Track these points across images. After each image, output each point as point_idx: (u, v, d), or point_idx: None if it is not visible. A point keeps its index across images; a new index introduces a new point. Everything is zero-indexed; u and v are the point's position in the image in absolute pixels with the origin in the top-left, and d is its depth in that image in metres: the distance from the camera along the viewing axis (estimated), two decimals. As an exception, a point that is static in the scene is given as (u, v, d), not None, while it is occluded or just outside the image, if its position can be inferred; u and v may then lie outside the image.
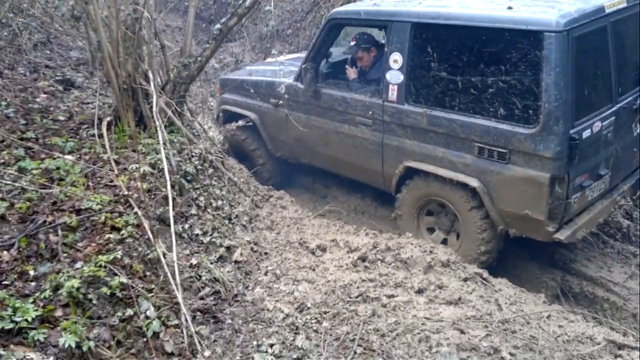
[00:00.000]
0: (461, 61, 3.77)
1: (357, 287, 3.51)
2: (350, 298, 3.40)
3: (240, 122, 5.33)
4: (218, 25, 4.55)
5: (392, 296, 3.45)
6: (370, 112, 4.38)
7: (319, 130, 4.81)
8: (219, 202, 4.14)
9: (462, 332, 3.06)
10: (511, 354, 2.89)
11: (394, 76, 4.17)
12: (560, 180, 3.52)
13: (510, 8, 3.62)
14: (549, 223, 3.62)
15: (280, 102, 5.05)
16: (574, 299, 4.13)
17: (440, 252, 3.92)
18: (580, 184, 3.67)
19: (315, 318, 3.21)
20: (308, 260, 3.93)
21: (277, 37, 8.27)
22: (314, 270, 3.78)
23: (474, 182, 3.86)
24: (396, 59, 4.14)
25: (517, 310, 3.32)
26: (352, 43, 4.84)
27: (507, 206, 3.79)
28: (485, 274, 3.75)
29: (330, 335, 3.06)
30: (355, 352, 2.90)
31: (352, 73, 4.90)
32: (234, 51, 8.16)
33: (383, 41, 4.61)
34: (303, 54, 5.75)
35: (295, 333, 3.10)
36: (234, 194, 4.47)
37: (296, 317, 3.21)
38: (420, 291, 3.51)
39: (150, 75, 4.28)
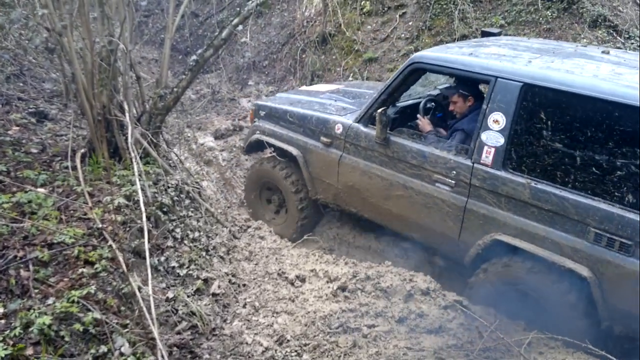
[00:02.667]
0: (581, 134, 3.32)
1: (338, 318, 3.47)
2: (331, 329, 3.36)
3: (269, 152, 4.99)
4: (194, 57, 4.58)
5: (373, 326, 3.42)
6: (454, 173, 3.84)
7: (380, 181, 4.26)
8: (196, 234, 4.09)
9: (444, 361, 3.03)
10: (493, 383, 2.87)
11: (492, 138, 3.67)
12: None
13: (620, 79, 3.26)
14: None
15: (334, 142, 4.54)
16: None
17: (420, 280, 3.91)
18: None
19: (295, 351, 3.15)
20: (287, 291, 3.88)
21: (253, 68, 8.34)
22: (293, 301, 3.73)
23: (584, 271, 3.34)
24: (497, 120, 3.65)
25: (497, 338, 3.31)
26: (453, 83, 4.32)
27: (620, 302, 3.30)
28: (465, 302, 3.74)
29: (311, 368, 3.00)
30: (336, 385, 2.85)
31: (426, 125, 4.37)
32: (211, 82, 8.18)
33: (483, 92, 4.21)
34: (343, 86, 5.60)
35: (275, 367, 3.03)
36: (211, 225, 4.42)
37: (276, 350, 3.15)
38: (400, 320, 3.49)
39: (126, 107, 4.26)
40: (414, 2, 7.98)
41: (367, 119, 4.32)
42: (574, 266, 3.36)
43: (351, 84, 5.91)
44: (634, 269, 3.15)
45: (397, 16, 8.02)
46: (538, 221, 3.50)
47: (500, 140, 3.64)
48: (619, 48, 6.29)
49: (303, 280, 4.02)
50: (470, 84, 4.22)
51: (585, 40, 6.59)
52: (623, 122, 3.15)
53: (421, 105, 4.57)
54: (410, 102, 4.73)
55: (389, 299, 3.72)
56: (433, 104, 4.68)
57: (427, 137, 4.15)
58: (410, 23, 7.88)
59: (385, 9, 8.17)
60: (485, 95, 3.75)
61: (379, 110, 4.07)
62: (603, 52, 4.02)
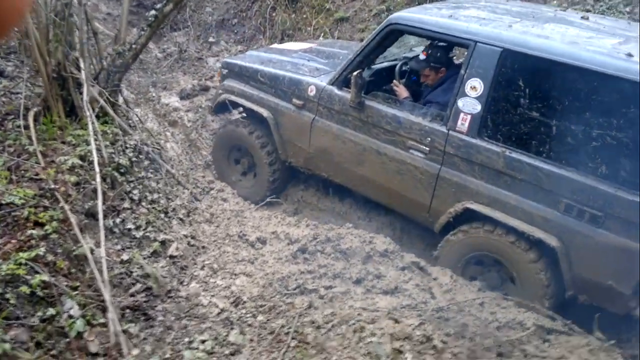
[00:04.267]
0: (559, 103, 3.26)
1: (295, 279, 3.48)
2: (288, 290, 3.37)
3: (236, 112, 4.72)
4: (153, 12, 4.41)
5: (330, 287, 3.44)
6: (429, 139, 3.77)
7: (353, 146, 4.14)
8: (155, 195, 4.03)
9: (396, 321, 3.07)
10: (443, 342, 2.92)
11: (469, 104, 3.58)
12: None
13: (630, 55, 3.13)
14: (632, 297, 3.23)
15: (306, 104, 4.38)
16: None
17: (379, 242, 3.94)
18: None
19: (251, 312, 3.16)
20: (247, 253, 3.87)
21: (222, 26, 8.10)
22: (252, 263, 3.73)
23: (552, 241, 3.36)
24: (475, 86, 3.54)
25: (451, 298, 3.37)
26: (422, 56, 4.14)
27: (586, 272, 3.34)
28: (423, 263, 3.78)
29: (265, 329, 3.02)
30: (289, 346, 2.87)
31: (402, 91, 4.25)
32: (178, 40, 7.94)
33: (457, 61, 4.19)
34: (316, 45, 5.40)
35: (230, 328, 3.04)
36: (172, 186, 4.36)
37: (231, 312, 3.16)
38: (358, 281, 3.52)
39: (82, 64, 4.11)
40: (387, -40, 7.79)
41: (341, 81, 4.19)
42: (543, 236, 3.38)
43: (324, 43, 5.74)
44: (602, 240, 3.19)
45: (370, -26, 7.83)
46: (511, 190, 3.49)
47: (477, 107, 3.55)
48: (588, 10, 6.25)
49: (264, 242, 4.01)
50: (441, 52, 4.13)
51: (556, 1, 6.53)
52: (601, 92, 3.11)
53: (397, 69, 4.45)
54: (385, 64, 4.58)
55: (348, 260, 3.74)
56: (408, 67, 4.55)
57: (403, 102, 4.04)
58: (383, -18, 7.70)
59: (358, -34, 7.96)
60: (458, 63, 3.72)
61: (355, 73, 3.92)
62: (582, 17, 3.97)
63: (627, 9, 6.29)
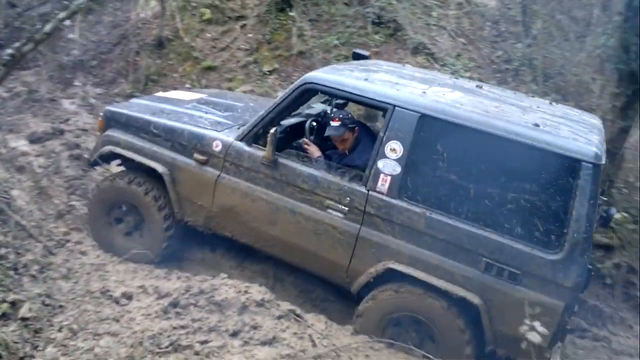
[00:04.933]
0: (476, 168, 3.50)
1: (168, 336, 3.28)
2: (160, 349, 3.16)
3: (115, 164, 4.45)
4: (10, 50, 4.05)
5: (206, 342, 3.29)
6: (348, 199, 3.78)
7: (265, 205, 4.01)
8: (2, 250, 3.58)
9: (277, 372, 3.03)
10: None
11: (389, 166, 3.67)
12: (570, 308, 3.43)
13: (537, 125, 3.47)
14: (548, 350, 3.44)
15: (210, 160, 4.14)
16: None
17: (255, 291, 3.87)
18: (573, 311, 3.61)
19: (119, 375, 2.90)
20: (111, 310, 3.58)
21: (80, 67, 7.64)
22: (118, 321, 3.45)
23: (475, 299, 3.49)
24: (394, 148, 3.65)
25: (328, 344, 3.41)
26: (335, 123, 4.05)
27: (505, 327, 3.47)
28: (299, 311, 3.79)
29: (137, 392, 2.78)
30: (164, 408, 2.67)
31: (315, 150, 4.18)
32: (27, 80, 7.32)
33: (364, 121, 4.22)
34: (206, 96, 5.13)
35: (95, 395, 2.75)
36: (22, 239, 3.92)
37: (96, 377, 2.86)
38: (234, 334, 3.41)
39: None
40: (255, 14, 8.04)
41: (251, 137, 4.07)
42: (465, 294, 3.50)
43: (215, 94, 5.48)
44: (520, 296, 3.38)
45: (238, 27, 8.00)
46: (432, 250, 3.59)
47: (397, 169, 3.65)
48: (437, 70, 6.99)
49: (130, 298, 3.74)
50: (346, 112, 4.19)
51: (408, 64, 7.21)
52: (509, 158, 3.42)
53: (307, 126, 4.42)
54: (291, 120, 4.46)
55: (223, 312, 3.61)
56: (315, 124, 4.56)
57: (319, 161, 4.01)
58: (250, 35, 7.91)
59: (226, 18, 8.10)
60: (378, 123, 3.88)
61: (272, 131, 3.84)
62: (477, 86, 4.35)
63: (468, 74, 7.15)
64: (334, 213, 3.84)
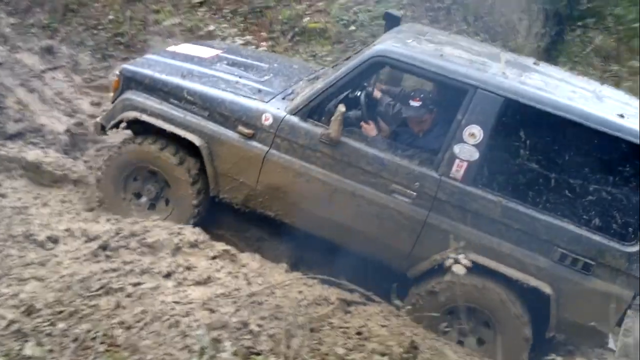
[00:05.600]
0: (557, 156, 3.41)
1: (98, 279, 3.21)
2: (90, 292, 3.10)
3: (122, 127, 4.09)
4: None
5: (138, 284, 3.26)
6: (417, 184, 3.61)
7: (321, 186, 3.75)
8: None
9: (212, 311, 3.07)
10: (259, 325, 3.01)
11: (466, 151, 3.50)
12: (635, 299, 3.53)
13: (622, 116, 3.39)
14: (609, 336, 3.61)
15: (258, 135, 3.83)
16: (311, 265, 4.42)
17: (189, 232, 3.85)
18: None
19: (48, 320, 2.83)
20: (36, 255, 3.45)
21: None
22: (44, 265, 3.34)
23: (546, 289, 3.50)
24: (473, 133, 3.47)
25: (263, 282, 3.48)
26: (415, 103, 3.84)
27: (573, 316, 3.55)
28: (233, 250, 3.82)
29: (67, 336, 2.74)
30: (97, 351, 2.66)
31: (370, 130, 3.90)
32: None
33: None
34: (222, 52, 4.67)
35: (24, 340, 2.69)
36: None
37: (23, 323, 2.79)
38: (168, 275, 3.39)
39: None
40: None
41: (306, 111, 3.77)
42: (536, 283, 3.51)
43: (233, 50, 4.97)
44: (592, 286, 3.48)
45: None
46: (505, 239, 3.54)
47: (475, 155, 3.50)
48: (369, 11, 6.90)
49: (56, 242, 3.61)
50: (428, 93, 3.94)
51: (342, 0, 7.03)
52: (592, 148, 3.36)
53: (363, 106, 4.03)
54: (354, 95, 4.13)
55: (155, 254, 3.58)
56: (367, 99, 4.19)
57: (386, 142, 3.79)
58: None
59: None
60: (459, 104, 3.52)
61: (341, 109, 3.56)
62: (534, 63, 4.18)
63: (401, 11, 7.09)
64: (400, 197, 3.66)
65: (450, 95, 3.78)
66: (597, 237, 3.45)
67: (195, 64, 4.32)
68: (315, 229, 3.95)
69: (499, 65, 3.79)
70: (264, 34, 6.87)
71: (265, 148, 3.85)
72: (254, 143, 3.87)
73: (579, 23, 6.02)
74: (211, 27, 6.56)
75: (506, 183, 3.53)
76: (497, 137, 3.49)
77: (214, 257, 3.66)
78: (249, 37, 6.64)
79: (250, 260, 3.82)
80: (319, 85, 3.83)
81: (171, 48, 4.76)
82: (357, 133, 3.82)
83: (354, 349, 3.00)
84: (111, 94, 4.34)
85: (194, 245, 3.71)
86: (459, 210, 3.60)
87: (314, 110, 3.80)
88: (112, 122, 4.15)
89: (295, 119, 3.80)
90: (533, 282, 3.52)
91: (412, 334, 3.41)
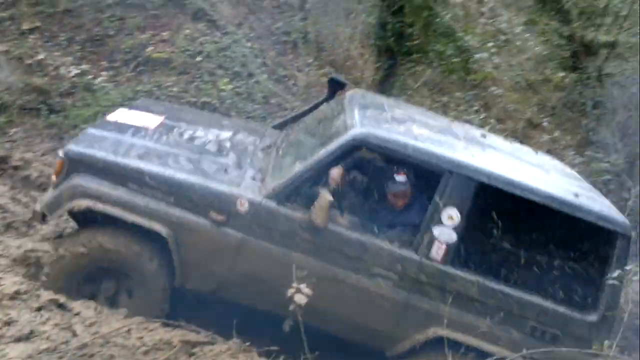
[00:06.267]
0: (525, 235, 3.71)
1: None
2: None
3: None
4: None
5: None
6: (400, 266, 3.63)
7: (299, 271, 3.49)
8: None
9: (32, 371, 2.78)
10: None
11: (445, 234, 3.58)
12: None
13: (576, 195, 3.69)
14: None
15: (231, 221, 3.59)
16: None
17: (9, 282, 3.48)
18: None
19: None
20: None
21: None
22: None
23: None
24: (452, 216, 3.56)
25: (95, 332, 3.24)
26: (401, 177, 3.79)
27: None
28: (63, 299, 3.50)
29: None
30: None
31: (335, 181, 3.72)
32: None
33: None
34: (165, 119, 4.28)
35: None
36: None
37: None
38: (-18, 334, 3.03)
39: None
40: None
41: (284, 195, 3.62)
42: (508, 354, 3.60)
43: (174, 115, 4.59)
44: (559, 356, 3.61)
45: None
46: (482, 316, 3.66)
47: (453, 237, 3.59)
48: (216, 42, 6.93)
49: None
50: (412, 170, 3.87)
51: (188, 30, 6.98)
52: (558, 227, 3.73)
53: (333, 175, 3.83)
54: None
55: (-34, 311, 3.18)
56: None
57: (367, 226, 3.74)
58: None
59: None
60: (435, 185, 3.62)
61: (328, 197, 3.46)
62: (482, 135, 4.47)
63: (249, 44, 7.20)
64: (382, 280, 3.67)
65: (424, 174, 3.89)
66: (561, 309, 3.70)
67: (146, 139, 3.98)
68: (291, 315, 3.55)
69: (462, 144, 4.01)
70: (104, 63, 6.54)
71: (240, 235, 3.65)
72: (228, 230, 3.64)
73: (409, 58, 6.58)
74: (41, 56, 6.08)
75: (480, 262, 3.75)
76: (472, 219, 3.67)
77: (38, 309, 3.33)
78: (86, 67, 6.26)
79: (84, 309, 3.53)
80: (297, 169, 3.70)
81: (110, 117, 4.31)
82: (336, 215, 3.75)
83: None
84: (52, 177, 3.81)
85: (14, 296, 3.35)
86: (438, 290, 3.69)
87: (292, 193, 3.67)
88: (59, 211, 3.69)
89: (272, 204, 3.64)
90: (506, 353, 3.67)
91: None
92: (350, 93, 4.62)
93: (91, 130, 4.09)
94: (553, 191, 3.72)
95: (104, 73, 6.35)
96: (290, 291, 3.26)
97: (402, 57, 6.35)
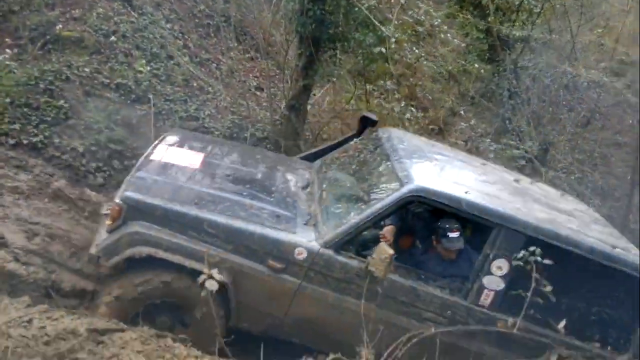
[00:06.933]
0: (564, 282, 3.82)
1: None
2: None
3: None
4: None
5: None
6: (450, 312, 3.89)
7: (353, 316, 3.65)
8: None
9: None
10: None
11: (493, 282, 3.87)
12: None
13: (614, 247, 4.02)
14: None
15: (289, 268, 3.77)
16: (64, 295, 4.04)
17: None
18: None
19: None
20: None
21: None
22: None
23: None
24: (501, 266, 3.84)
25: (-11, 325, 2.99)
26: (455, 234, 3.99)
27: None
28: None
29: None
30: None
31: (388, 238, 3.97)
32: None
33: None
34: (208, 156, 4.49)
35: None
36: None
37: None
38: None
39: None
40: None
41: (341, 244, 3.80)
42: None
43: (212, 152, 4.67)
44: None
45: None
46: (519, 354, 3.96)
47: (501, 285, 3.86)
48: (132, 22, 6.60)
49: None
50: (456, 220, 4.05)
51: (101, 9, 6.61)
52: (593, 274, 3.96)
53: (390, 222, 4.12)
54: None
55: None
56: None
57: (420, 274, 3.95)
58: None
59: None
60: (485, 238, 3.88)
61: (389, 251, 3.60)
62: (515, 180, 4.74)
63: (169, 25, 6.93)
64: (433, 325, 3.86)
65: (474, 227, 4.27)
66: (598, 351, 4.05)
67: (196, 182, 4.13)
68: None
69: (505, 194, 4.29)
70: (8, 40, 6.06)
71: (297, 281, 3.81)
72: (285, 276, 3.80)
73: (331, 45, 6.56)
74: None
75: (520, 307, 3.86)
76: (518, 268, 3.84)
77: None
78: (-14, 45, 5.79)
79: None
80: (353, 220, 3.87)
81: (153, 156, 4.40)
82: (396, 266, 3.90)
83: (100, 383, 2.73)
84: (107, 222, 3.83)
85: None
86: (485, 334, 3.95)
87: (347, 243, 3.85)
88: (118, 258, 3.72)
89: (329, 252, 3.81)
90: None
91: (172, 356, 3.25)
92: (384, 132, 4.93)
93: (141, 174, 4.12)
94: (593, 244, 4.02)
95: (7, 51, 5.88)
96: (202, 277, 3.21)
97: (324, 44, 6.30)
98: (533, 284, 3.64)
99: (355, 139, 5.19)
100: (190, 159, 4.45)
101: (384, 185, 4.12)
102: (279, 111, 6.79)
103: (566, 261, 3.90)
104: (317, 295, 3.85)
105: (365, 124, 5.22)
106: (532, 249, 3.80)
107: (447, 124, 9.04)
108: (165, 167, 4.24)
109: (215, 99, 6.80)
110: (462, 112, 9.51)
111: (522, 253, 3.74)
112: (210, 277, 3.18)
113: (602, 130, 9.90)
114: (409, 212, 4.51)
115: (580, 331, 4.09)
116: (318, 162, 5.08)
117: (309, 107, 6.88)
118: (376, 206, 3.86)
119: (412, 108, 8.37)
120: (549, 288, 3.72)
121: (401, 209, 4.01)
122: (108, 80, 6.09)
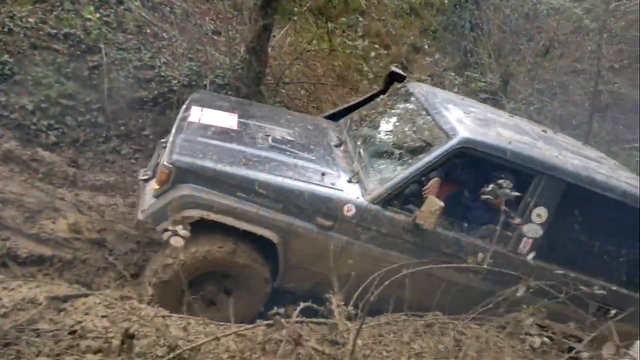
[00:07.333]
0: (600, 227, 4.01)
1: None
2: None
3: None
4: None
5: None
6: (490, 262, 3.69)
7: (397, 271, 3.47)
8: None
9: None
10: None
11: (532, 230, 3.97)
12: None
13: None
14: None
15: (337, 225, 3.81)
16: (21, 263, 3.98)
17: None
18: None
19: None
20: None
21: None
22: None
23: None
24: (540, 214, 3.93)
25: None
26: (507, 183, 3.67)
27: None
28: None
29: None
30: None
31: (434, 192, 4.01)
32: None
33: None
34: (241, 118, 4.44)
35: None
36: None
37: None
38: None
39: None
40: None
41: (388, 200, 3.84)
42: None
43: (244, 111, 4.66)
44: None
45: None
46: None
47: (539, 232, 3.96)
48: None
49: None
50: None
51: None
52: (625, 218, 4.05)
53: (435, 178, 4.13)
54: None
55: None
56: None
57: (462, 225, 4.02)
58: None
59: None
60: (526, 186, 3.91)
61: (439, 203, 3.67)
62: (543, 130, 4.80)
63: None
64: (473, 275, 3.94)
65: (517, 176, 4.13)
66: (623, 291, 4.19)
67: (237, 143, 4.08)
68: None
69: (540, 143, 4.31)
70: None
71: (345, 238, 3.85)
72: (333, 234, 3.85)
73: (290, -18, 6.30)
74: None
75: (558, 254, 4.07)
76: (558, 215, 4.00)
77: None
78: None
79: None
80: (401, 175, 3.89)
81: (190, 118, 4.29)
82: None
83: (65, 352, 2.76)
84: (154, 187, 3.79)
85: None
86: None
87: (394, 198, 3.88)
88: (169, 222, 3.53)
89: (377, 208, 3.85)
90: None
91: (138, 318, 3.26)
92: (415, 86, 4.89)
93: (186, 136, 4.02)
94: (626, 188, 4.16)
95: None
96: (167, 234, 3.19)
97: (284, -17, 6.04)
98: (502, 217, 3.54)
99: (381, 95, 5.16)
100: (226, 120, 4.42)
101: (427, 139, 4.10)
102: (238, 55, 6.54)
103: (600, 205, 4.08)
104: (362, 250, 3.90)
105: (392, 80, 5.14)
106: (500, 181, 3.79)
107: (409, 60, 8.95)
108: (205, 129, 4.17)
109: (170, 46, 6.49)
110: (426, 46, 9.37)
111: (491, 186, 3.63)
112: (175, 233, 3.16)
113: (561, 59, 9.93)
114: (453, 164, 4.48)
115: (611, 275, 4.25)
116: (345, 119, 5.05)
117: (269, 49, 6.67)
118: (424, 160, 3.90)
119: (376, 45, 8.23)
120: (517, 220, 3.68)
121: (450, 162, 4.02)
122: (55, 31, 5.72)
